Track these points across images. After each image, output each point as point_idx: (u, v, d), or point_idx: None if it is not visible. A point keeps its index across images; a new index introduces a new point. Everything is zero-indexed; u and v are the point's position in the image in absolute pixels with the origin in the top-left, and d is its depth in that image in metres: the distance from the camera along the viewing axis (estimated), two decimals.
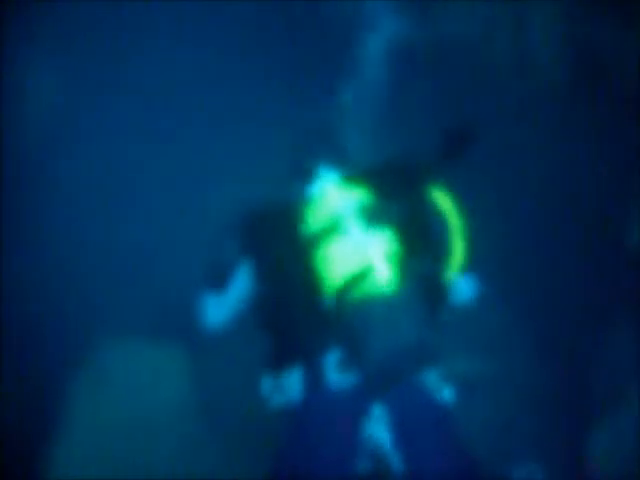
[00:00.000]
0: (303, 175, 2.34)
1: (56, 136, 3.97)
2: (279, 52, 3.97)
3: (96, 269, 3.71)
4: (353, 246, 2.08)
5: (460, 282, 2.27)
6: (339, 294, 2.03)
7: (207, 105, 3.98)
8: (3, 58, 3.73)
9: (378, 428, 1.97)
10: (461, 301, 2.32)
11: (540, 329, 3.69)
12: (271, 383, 2.09)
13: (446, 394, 2.08)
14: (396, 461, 1.95)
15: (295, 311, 2.08)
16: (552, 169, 3.90)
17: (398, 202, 2.17)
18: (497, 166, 3.86)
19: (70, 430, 3.50)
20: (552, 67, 4.02)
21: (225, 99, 3.98)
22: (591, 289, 3.64)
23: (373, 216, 2.12)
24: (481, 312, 2.48)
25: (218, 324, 2.28)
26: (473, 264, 2.26)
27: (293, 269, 2.11)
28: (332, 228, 2.10)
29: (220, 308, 2.26)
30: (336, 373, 2.00)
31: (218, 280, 2.25)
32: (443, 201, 2.24)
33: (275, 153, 3.41)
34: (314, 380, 2.01)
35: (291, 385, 2.04)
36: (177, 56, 3.94)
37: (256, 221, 2.23)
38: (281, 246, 2.15)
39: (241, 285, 2.23)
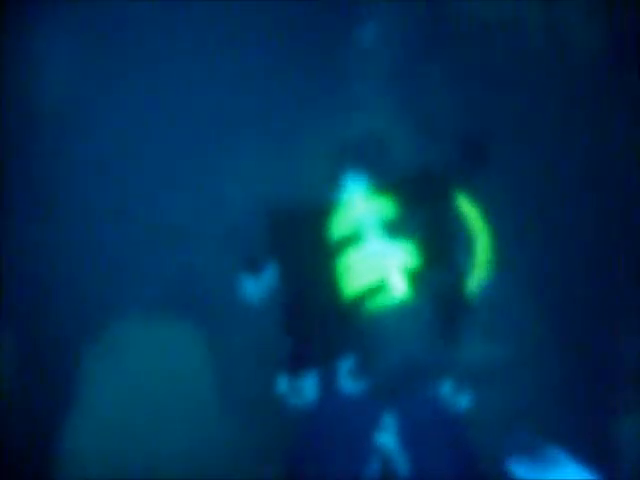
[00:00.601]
0: (331, 181, 2.38)
1: (66, 126, 3.90)
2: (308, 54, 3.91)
3: (111, 245, 3.68)
4: (372, 256, 2.10)
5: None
6: (355, 303, 2.06)
7: (236, 104, 3.90)
8: (6, 53, 3.72)
9: (388, 436, 1.96)
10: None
11: (565, 327, 3.63)
12: (287, 384, 2.13)
13: (462, 401, 2.08)
14: (404, 468, 1.94)
15: (313, 314, 2.11)
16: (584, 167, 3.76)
17: (422, 213, 2.20)
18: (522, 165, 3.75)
19: (86, 406, 3.50)
20: (588, 54, 3.84)
21: (255, 99, 3.90)
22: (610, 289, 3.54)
23: (394, 227, 2.14)
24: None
25: (254, 299, 2.38)
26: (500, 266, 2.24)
27: (314, 273, 2.16)
28: (354, 237, 2.13)
29: (255, 287, 2.36)
30: (349, 379, 2.03)
31: (253, 265, 2.35)
32: (468, 209, 2.27)
33: (305, 157, 3.42)
34: (328, 384, 2.06)
35: (306, 387, 2.09)
36: (199, 57, 3.89)
37: (283, 221, 2.29)
38: (305, 249, 2.21)
39: (269, 278, 2.32)
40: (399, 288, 2.06)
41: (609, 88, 3.75)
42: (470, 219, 2.26)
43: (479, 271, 2.22)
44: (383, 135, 2.89)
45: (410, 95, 3.89)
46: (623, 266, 3.53)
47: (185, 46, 3.93)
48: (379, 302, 2.05)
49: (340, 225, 2.18)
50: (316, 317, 2.10)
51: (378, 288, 2.06)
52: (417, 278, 2.07)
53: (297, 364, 2.11)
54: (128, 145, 3.84)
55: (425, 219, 2.18)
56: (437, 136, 3.76)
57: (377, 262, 2.10)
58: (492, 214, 2.29)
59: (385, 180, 2.31)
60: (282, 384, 2.15)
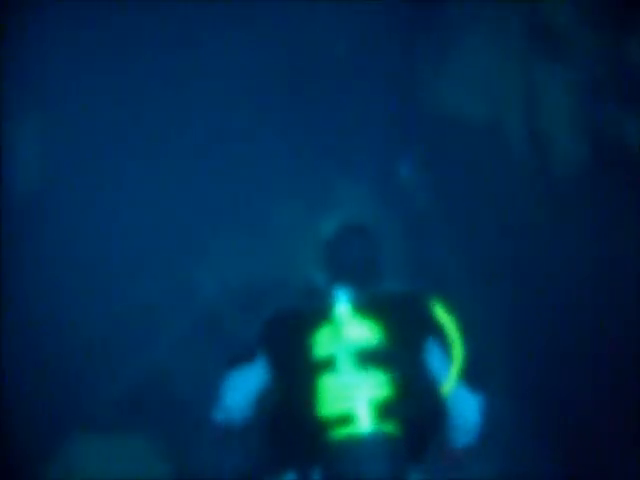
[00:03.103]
0: (320, 291, 2.38)
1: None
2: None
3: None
4: (343, 386, 2.15)
5: (463, 398, 2.33)
6: (324, 427, 2.11)
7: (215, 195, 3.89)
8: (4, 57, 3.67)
9: None
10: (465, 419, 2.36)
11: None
12: None
13: None
14: None
15: (291, 421, 2.17)
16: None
17: (399, 338, 2.24)
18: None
19: None
20: (568, 149, 3.85)
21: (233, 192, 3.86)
22: None
23: (369, 357, 2.19)
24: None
25: (235, 409, 2.37)
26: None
27: (295, 384, 2.19)
28: (329, 362, 2.18)
29: (239, 393, 2.36)
30: None
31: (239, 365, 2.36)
32: (445, 319, 2.33)
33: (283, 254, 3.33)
34: None
35: None
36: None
37: (275, 322, 2.33)
38: (288, 354, 2.24)
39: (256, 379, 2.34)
40: (366, 421, 2.11)
41: (594, 199, 3.73)
42: (448, 330, 2.33)
43: (453, 380, 2.30)
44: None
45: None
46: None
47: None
48: (345, 431, 2.10)
49: (320, 345, 2.21)
50: (294, 424, 2.16)
51: (346, 418, 2.11)
52: (387, 411, 2.13)
53: (277, 465, 2.19)
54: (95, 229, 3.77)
55: (402, 346, 2.23)
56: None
57: (347, 392, 2.14)
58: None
59: (368, 300, 2.30)
60: None
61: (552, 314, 3.61)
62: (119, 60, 3.94)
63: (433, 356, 2.30)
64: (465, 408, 2.35)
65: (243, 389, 2.35)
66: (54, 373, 3.42)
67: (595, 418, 3.43)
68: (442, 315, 2.34)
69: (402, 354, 2.22)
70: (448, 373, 2.30)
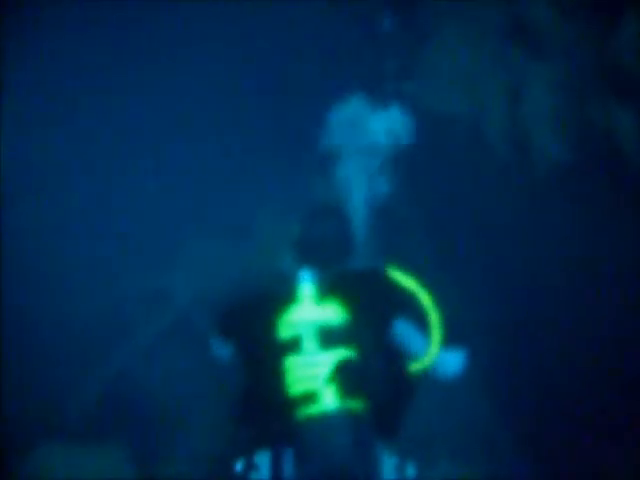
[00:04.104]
0: (281, 272, 2.43)
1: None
2: None
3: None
4: (307, 365, 2.19)
5: (444, 358, 2.37)
6: (291, 405, 2.15)
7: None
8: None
9: None
10: (446, 377, 2.41)
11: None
12: (244, 462, 2.21)
13: (409, 472, 2.20)
14: None
15: (261, 402, 2.21)
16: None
17: (364, 317, 2.25)
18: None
19: None
20: (551, 144, 3.75)
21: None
22: None
23: (333, 337, 2.21)
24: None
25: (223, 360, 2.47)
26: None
27: (264, 364, 2.23)
28: (294, 342, 2.21)
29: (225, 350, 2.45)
30: (292, 466, 2.14)
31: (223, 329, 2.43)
32: (414, 288, 2.37)
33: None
34: (277, 466, 2.16)
35: (261, 465, 2.19)
36: None
37: (237, 309, 2.38)
38: (253, 338, 2.28)
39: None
40: (331, 399, 2.15)
41: (577, 196, 3.63)
42: (419, 299, 2.37)
43: (433, 349, 2.34)
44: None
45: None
46: None
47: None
48: (311, 410, 2.14)
49: (285, 326, 2.25)
50: (265, 405, 2.21)
51: (311, 397, 2.15)
52: (351, 389, 2.16)
53: (252, 443, 2.22)
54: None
55: (366, 324, 2.25)
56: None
57: (312, 371, 2.18)
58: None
59: (333, 280, 2.34)
60: (240, 464, 2.23)
61: (534, 312, 3.55)
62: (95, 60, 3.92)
63: (405, 329, 2.35)
64: (449, 367, 2.39)
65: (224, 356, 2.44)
66: (20, 379, 3.35)
67: (575, 414, 3.36)
68: (411, 285, 2.39)
69: (366, 332, 2.24)
70: (427, 342, 2.34)
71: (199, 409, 3.52)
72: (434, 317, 2.37)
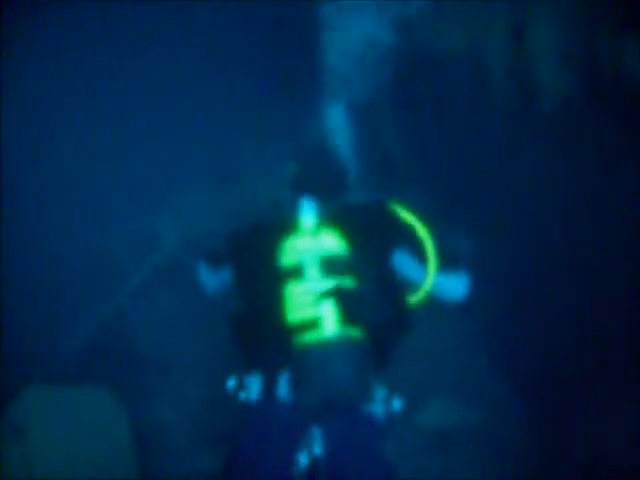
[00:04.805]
0: (289, 202, 2.45)
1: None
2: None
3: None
4: (309, 292, 2.20)
5: (447, 281, 2.42)
6: (291, 331, 2.17)
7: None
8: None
9: (315, 444, 2.12)
10: (452, 299, 2.47)
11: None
12: (236, 382, 2.24)
13: (395, 405, 2.22)
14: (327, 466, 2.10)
15: (258, 327, 2.24)
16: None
17: (365, 246, 2.28)
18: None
19: None
20: (553, 80, 3.56)
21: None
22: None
23: (335, 265, 2.24)
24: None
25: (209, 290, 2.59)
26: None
27: (264, 290, 2.25)
28: (296, 270, 2.23)
29: (212, 280, 2.57)
30: (286, 389, 2.18)
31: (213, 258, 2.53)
32: (410, 220, 2.40)
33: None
34: (269, 389, 2.19)
35: (252, 386, 2.21)
36: None
37: (241, 234, 2.41)
38: (256, 265, 2.30)
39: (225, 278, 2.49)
40: (331, 326, 2.17)
41: (583, 137, 3.46)
42: (416, 230, 2.40)
43: (430, 276, 2.37)
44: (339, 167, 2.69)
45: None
46: None
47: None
48: (312, 336, 2.16)
49: (287, 254, 2.27)
50: (263, 328, 2.23)
51: (312, 323, 2.16)
52: (352, 316, 2.18)
53: (246, 364, 2.25)
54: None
55: (367, 254, 2.28)
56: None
57: (313, 298, 2.20)
58: None
59: (333, 211, 2.37)
60: (232, 381, 2.26)
61: (532, 261, 3.44)
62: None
63: (405, 260, 2.38)
64: (450, 288, 2.44)
65: (210, 285, 2.57)
66: (10, 320, 3.34)
67: (566, 366, 3.29)
68: (407, 217, 2.42)
69: (367, 262, 2.27)
70: (425, 270, 2.37)
71: (190, 350, 3.52)
72: (431, 249, 2.38)
